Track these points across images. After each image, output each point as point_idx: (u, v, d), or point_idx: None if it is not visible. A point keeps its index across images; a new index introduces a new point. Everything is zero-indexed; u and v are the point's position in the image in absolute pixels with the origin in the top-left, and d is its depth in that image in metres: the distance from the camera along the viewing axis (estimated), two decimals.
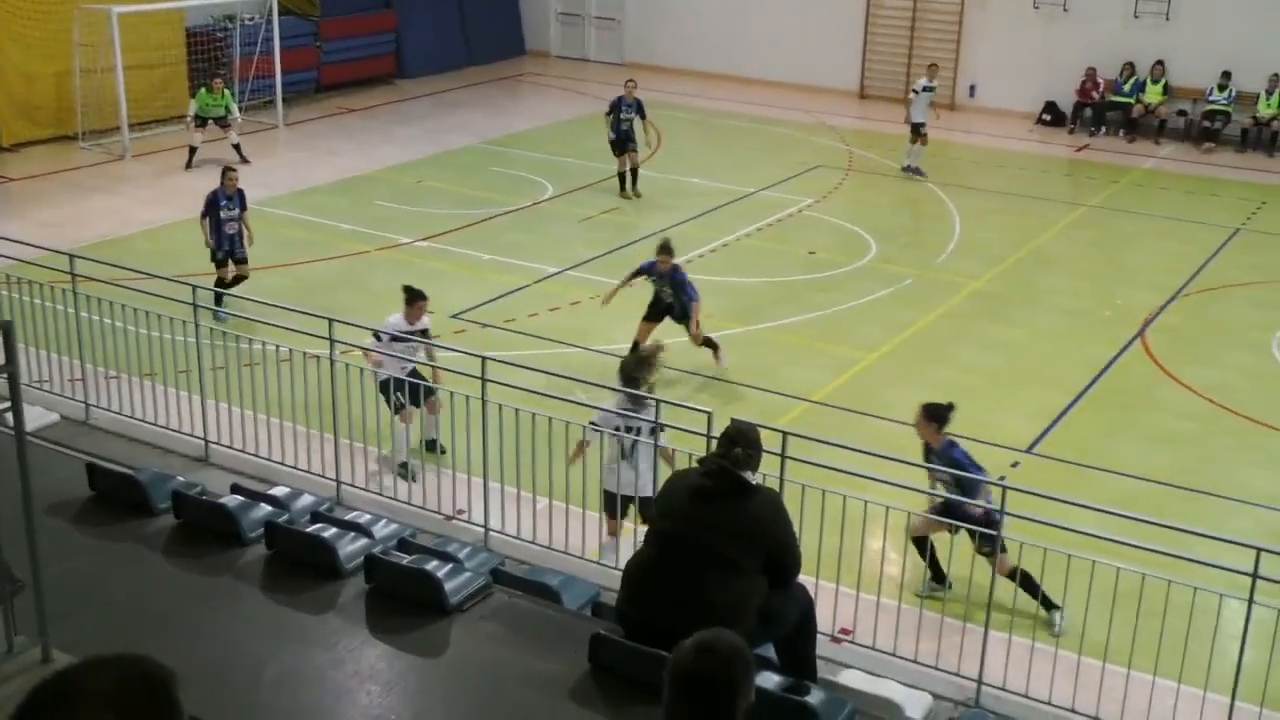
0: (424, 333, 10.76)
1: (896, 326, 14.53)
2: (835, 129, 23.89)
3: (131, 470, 7.78)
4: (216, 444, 10.26)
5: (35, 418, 9.51)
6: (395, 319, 10.64)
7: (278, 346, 10.30)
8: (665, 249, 12.57)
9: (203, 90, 19.93)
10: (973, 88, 25.53)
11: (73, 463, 7.99)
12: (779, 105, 25.33)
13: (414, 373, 10.46)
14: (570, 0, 29.58)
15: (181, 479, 7.75)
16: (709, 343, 12.75)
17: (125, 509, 7.28)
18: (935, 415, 9.04)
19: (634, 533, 8.66)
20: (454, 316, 14.13)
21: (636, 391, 8.96)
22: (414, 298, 10.68)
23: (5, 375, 4.56)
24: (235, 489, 7.76)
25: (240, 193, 14.10)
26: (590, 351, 13.10)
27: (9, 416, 4.65)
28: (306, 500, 7.83)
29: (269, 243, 15.43)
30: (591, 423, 9.03)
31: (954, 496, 8.55)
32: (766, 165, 21.16)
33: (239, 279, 14.03)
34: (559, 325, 14.05)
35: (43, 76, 20.61)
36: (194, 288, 10.49)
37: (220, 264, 13.98)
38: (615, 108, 18.76)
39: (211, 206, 13.99)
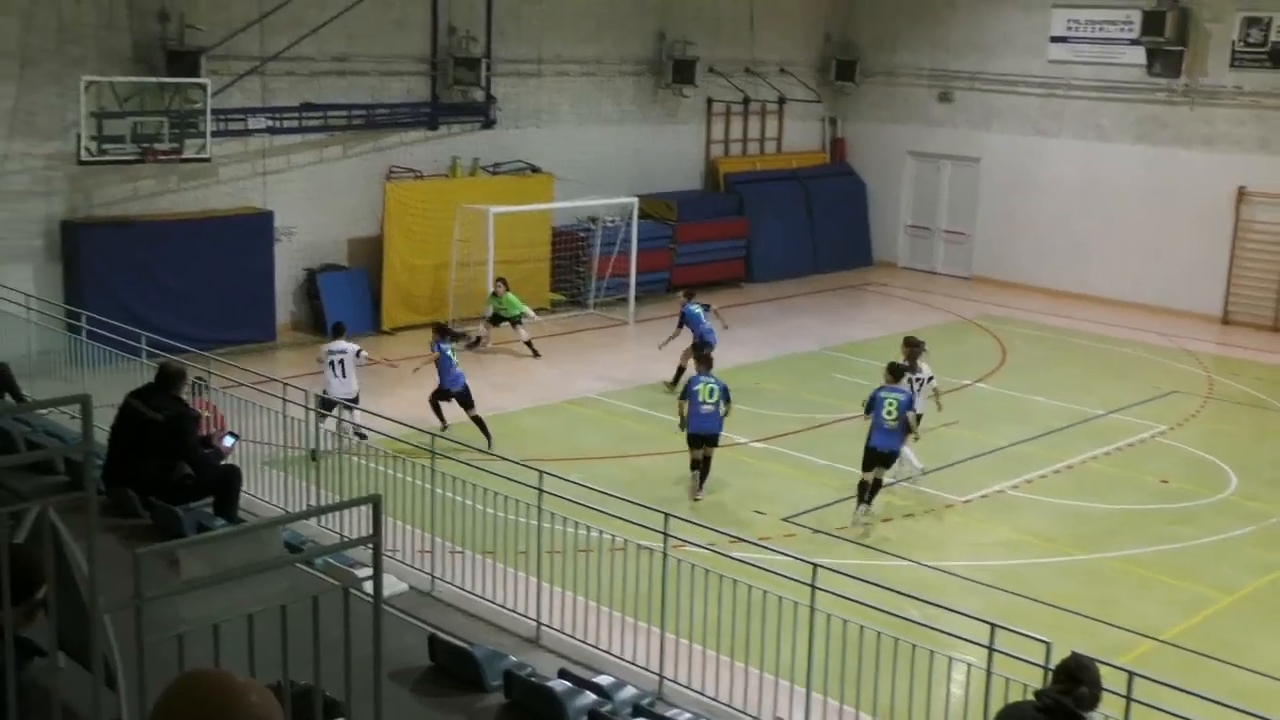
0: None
1: (1259, 568, 13.47)
2: (1193, 354, 22.80)
3: (469, 645, 8.09)
4: (547, 626, 10.53)
5: (388, 585, 9.96)
6: (354, 348, 15.82)
7: (613, 536, 10.57)
8: None
9: (490, 294, 21.19)
10: None
11: (417, 632, 8.38)
12: (1130, 326, 24.44)
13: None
14: (921, 214, 29.81)
15: (513, 659, 7.99)
16: None
17: (460, 682, 7.56)
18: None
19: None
20: (785, 520, 14.13)
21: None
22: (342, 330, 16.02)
23: (370, 545, 4.85)
24: (562, 674, 7.93)
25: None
26: (922, 567, 12.76)
27: (368, 585, 4.92)
28: (630, 692, 7.92)
29: (609, 433, 15.96)
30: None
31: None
32: (1116, 387, 20.33)
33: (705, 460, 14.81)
34: (893, 537, 13.81)
35: (423, 268, 22.51)
36: (540, 472, 10.94)
37: (693, 445, 14.76)
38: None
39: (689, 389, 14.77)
